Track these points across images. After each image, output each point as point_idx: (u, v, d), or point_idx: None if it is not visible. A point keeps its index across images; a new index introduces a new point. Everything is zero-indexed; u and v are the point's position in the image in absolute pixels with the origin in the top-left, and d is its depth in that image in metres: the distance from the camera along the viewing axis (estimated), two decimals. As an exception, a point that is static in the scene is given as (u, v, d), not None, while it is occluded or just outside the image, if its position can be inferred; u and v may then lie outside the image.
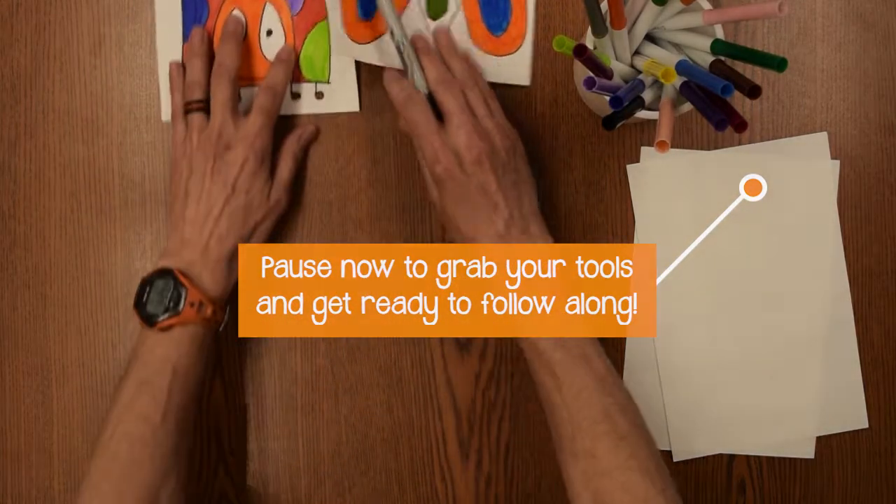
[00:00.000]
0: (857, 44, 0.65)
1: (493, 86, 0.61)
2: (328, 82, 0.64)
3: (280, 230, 0.64)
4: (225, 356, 0.64)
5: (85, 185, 0.64)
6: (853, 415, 0.64)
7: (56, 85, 0.64)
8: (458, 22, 0.63)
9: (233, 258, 0.58)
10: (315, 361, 0.65)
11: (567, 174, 0.64)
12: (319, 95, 0.64)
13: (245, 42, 0.63)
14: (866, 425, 0.64)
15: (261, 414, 0.65)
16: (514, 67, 0.63)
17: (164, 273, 0.56)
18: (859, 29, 0.65)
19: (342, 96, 0.64)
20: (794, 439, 0.64)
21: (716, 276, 0.64)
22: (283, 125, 0.63)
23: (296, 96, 0.64)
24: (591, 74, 0.50)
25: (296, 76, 0.64)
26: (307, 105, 0.64)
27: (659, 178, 0.64)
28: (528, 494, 0.64)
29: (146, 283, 0.56)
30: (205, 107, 0.60)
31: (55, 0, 0.64)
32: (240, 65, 0.61)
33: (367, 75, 0.64)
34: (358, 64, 0.63)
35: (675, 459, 0.64)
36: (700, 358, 0.64)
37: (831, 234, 0.64)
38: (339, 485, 0.65)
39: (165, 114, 0.64)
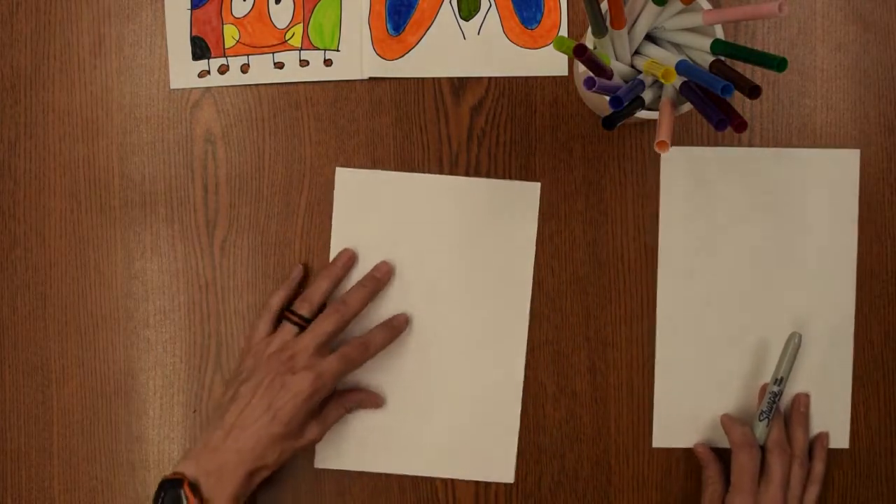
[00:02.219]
0: (857, 44, 0.65)
1: (530, 79, 0.63)
2: (338, 50, 0.64)
3: (280, 231, 0.64)
4: (225, 355, 0.64)
5: (85, 185, 0.64)
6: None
7: (56, 85, 0.64)
8: (491, 19, 0.63)
9: (250, 475, 0.56)
10: (315, 361, 0.65)
11: (567, 174, 0.64)
12: (328, 63, 0.64)
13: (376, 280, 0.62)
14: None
15: (261, 414, 0.64)
16: (552, 58, 0.64)
17: (176, 483, 0.55)
18: (859, 29, 0.65)
19: (351, 64, 0.64)
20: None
21: (724, 271, 0.64)
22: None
23: (304, 63, 0.64)
24: (591, 74, 0.50)
25: (305, 44, 0.64)
26: (316, 72, 0.64)
27: (690, 169, 0.64)
28: (528, 494, 0.64)
29: (161, 488, 0.55)
30: (303, 325, 0.60)
31: (55, 0, 0.64)
32: (360, 311, 0.61)
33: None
34: (368, 33, 0.64)
35: (654, 445, 0.64)
36: (706, 356, 0.64)
37: (847, 241, 0.64)
38: (339, 484, 0.64)
39: (174, 81, 0.64)
